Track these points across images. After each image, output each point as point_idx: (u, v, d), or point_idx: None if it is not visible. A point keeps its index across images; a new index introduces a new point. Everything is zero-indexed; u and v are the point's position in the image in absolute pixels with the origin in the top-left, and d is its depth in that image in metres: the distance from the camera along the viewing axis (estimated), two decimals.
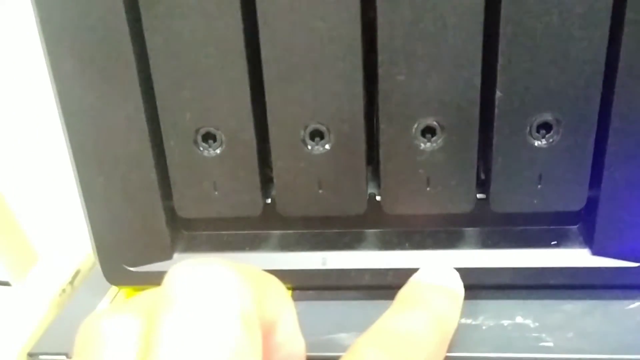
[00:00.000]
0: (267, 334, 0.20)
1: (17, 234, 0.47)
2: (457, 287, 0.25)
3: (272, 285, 0.20)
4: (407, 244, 0.28)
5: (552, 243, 0.27)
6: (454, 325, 0.24)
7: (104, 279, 0.30)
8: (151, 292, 0.19)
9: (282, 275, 0.29)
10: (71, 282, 0.42)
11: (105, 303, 0.31)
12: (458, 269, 0.27)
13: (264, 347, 0.19)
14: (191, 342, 0.15)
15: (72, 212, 0.34)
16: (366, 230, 0.29)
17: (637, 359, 0.24)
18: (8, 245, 0.46)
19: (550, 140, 0.24)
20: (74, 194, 0.28)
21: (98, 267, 0.29)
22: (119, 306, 0.18)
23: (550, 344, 0.25)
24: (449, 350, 0.25)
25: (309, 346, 0.26)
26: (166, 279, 0.18)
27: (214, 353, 0.15)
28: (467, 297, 0.28)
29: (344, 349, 0.26)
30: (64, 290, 0.42)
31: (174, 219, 0.29)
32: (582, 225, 0.28)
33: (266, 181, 0.28)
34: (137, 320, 0.17)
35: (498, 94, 0.24)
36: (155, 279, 0.28)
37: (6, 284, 0.46)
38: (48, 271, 0.43)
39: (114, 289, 0.31)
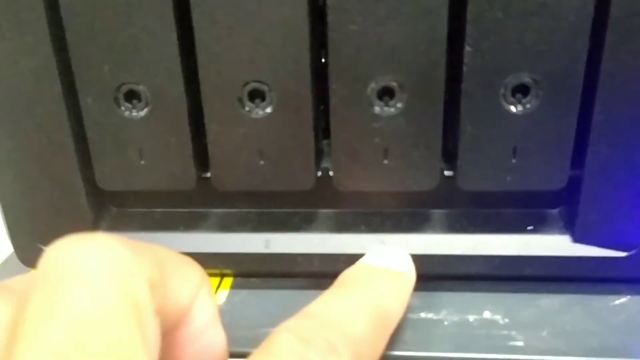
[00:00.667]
0: (178, 323, 0.18)
1: None
2: (408, 270, 0.22)
3: (185, 269, 0.18)
4: (363, 227, 0.25)
5: (528, 228, 0.24)
6: (398, 313, 0.21)
7: (19, 262, 0.26)
8: (28, 274, 0.17)
9: (221, 259, 0.25)
10: None
11: None
12: (420, 256, 0.24)
13: (174, 338, 0.18)
14: (58, 331, 0.14)
15: None
16: (318, 210, 0.26)
17: None
18: None
19: (527, 105, 0.21)
20: None
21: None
22: None
23: (520, 344, 0.22)
24: (398, 347, 0.21)
25: (247, 340, 0.22)
26: (42, 257, 0.15)
27: (86, 344, 0.13)
28: (429, 288, 0.24)
29: None
30: None
31: (97, 192, 0.25)
32: (563, 208, 0.25)
33: (203, 151, 0.24)
34: (4, 307, 0.15)
35: (467, 48, 0.20)
36: None
37: None
38: None
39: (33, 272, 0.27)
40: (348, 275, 0.22)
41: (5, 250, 0.29)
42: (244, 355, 0.22)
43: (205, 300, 0.18)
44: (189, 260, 0.18)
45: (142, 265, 0.15)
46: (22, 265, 0.26)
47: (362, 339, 0.19)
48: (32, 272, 0.17)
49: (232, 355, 0.22)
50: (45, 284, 0.15)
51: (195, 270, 0.18)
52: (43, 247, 0.25)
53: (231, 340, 0.22)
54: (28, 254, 0.25)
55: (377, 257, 0.23)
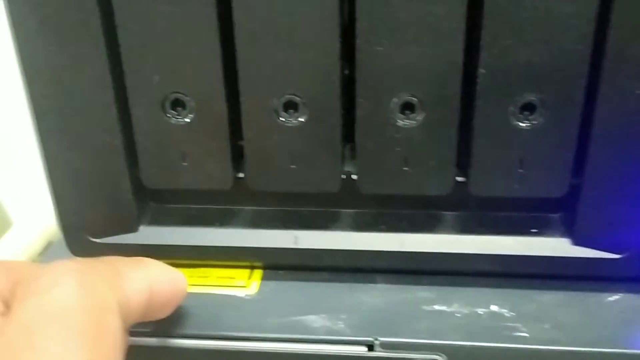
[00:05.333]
0: None
1: None
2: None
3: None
4: (382, 226, 0.27)
5: (532, 231, 0.26)
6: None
7: (68, 251, 0.28)
8: None
9: (253, 252, 0.28)
10: (41, 254, 0.41)
11: None
12: (434, 253, 0.26)
13: None
14: None
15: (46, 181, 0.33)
16: (341, 210, 0.28)
17: (614, 352, 0.23)
18: None
19: (534, 121, 0.23)
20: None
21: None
22: None
23: (526, 335, 0.24)
24: (415, 336, 0.24)
25: (281, 327, 0.25)
26: None
27: None
28: (442, 283, 0.27)
29: (312, 331, 0.25)
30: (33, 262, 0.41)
31: (141, 189, 0.27)
32: (564, 213, 0.27)
33: (239, 154, 0.27)
34: None
35: (481, 70, 0.23)
36: (119, 251, 0.27)
37: None
38: (18, 242, 0.42)
39: None
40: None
41: None
42: (278, 340, 0.25)
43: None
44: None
45: None
46: (68, 254, 0.29)
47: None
48: None
49: (266, 340, 0.25)
50: None
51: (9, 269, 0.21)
52: (90, 238, 0.28)
53: (266, 327, 0.25)
54: (77, 244, 0.28)
55: None
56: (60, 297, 0.18)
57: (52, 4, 0.23)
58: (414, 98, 0.23)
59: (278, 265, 0.28)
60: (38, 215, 0.43)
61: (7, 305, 0.18)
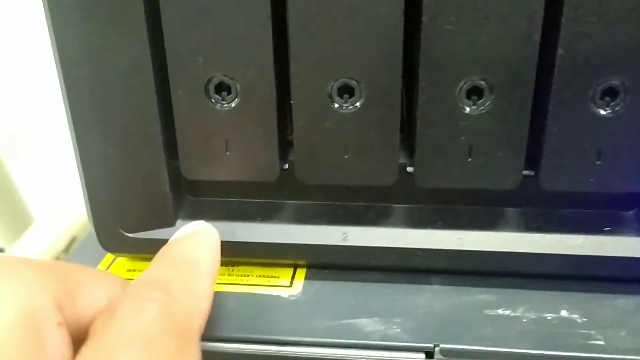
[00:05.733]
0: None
1: (12, 196, 0.44)
2: (203, 228, 0.23)
3: (95, 279, 0.20)
4: (439, 222, 0.25)
5: (605, 229, 0.24)
6: (205, 256, 0.22)
7: (99, 246, 0.27)
8: None
9: (298, 250, 0.26)
10: (66, 250, 0.39)
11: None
12: (496, 253, 0.24)
13: None
14: None
15: (70, 174, 0.31)
16: (394, 205, 0.26)
17: None
18: (2, 209, 0.43)
19: (616, 108, 0.21)
20: (73, 156, 0.25)
21: (94, 232, 0.27)
22: None
23: (602, 343, 0.22)
24: (479, 343, 0.22)
25: (331, 331, 0.23)
26: None
27: None
28: (504, 285, 0.25)
29: (364, 335, 0.23)
30: (57, 258, 0.39)
31: (178, 181, 0.26)
32: (639, 210, 0.25)
33: (284, 144, 0.25)
34: None
35: (560, 51, 0.21)
36: (155, 247, 0.25)
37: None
38: (42, 237, 0.41)
39: (109, 257, 0.28)
40: (159, 252, 0.22)
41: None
42: (330, 345, 0.23)
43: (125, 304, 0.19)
44: (105, 273, 0.21)
45: (44, 282, 0.17)
46: (99, 249, 0.27)
47: (169, 280, 0.20)
48: None
49: (316, 345, 0.23)
50: None
51: (112, 280, 0.20)
52: (124, 233, 0.26)
53: (315, 330, 0.23)
54: (109, 238, 0.26)
55: (177, 233, 0.23)
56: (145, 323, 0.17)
57: None
58: (482, 82, 0.21)
59: (325, 263, 0.26)
60: (61, 211, 0.41)
61: (62, 309, 0.17)
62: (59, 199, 0.42)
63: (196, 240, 0.23)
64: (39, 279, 0.17)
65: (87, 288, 0.19)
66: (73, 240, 0.39)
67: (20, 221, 0.46)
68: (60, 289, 0.17)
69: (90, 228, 0.27)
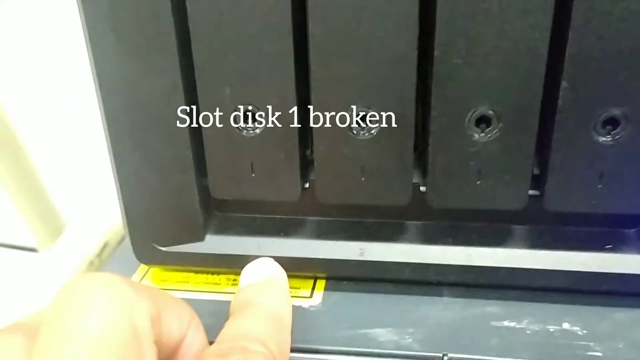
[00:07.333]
0: (172, 354, 0.21)
1: (46, 201, 0.47)
2: (276, 272, 0.25)
3: (176, 307, 0.21)
4: (450, 239, 0.27)
5: (607, 247, 0.26)
6: (286, 308, 0.24)
7: (133, 256, 0.29)
8: (45, 309, 0.19)
9: (318, 263, 0.28)
10: (99, 255, 0.42)
11: (136, 280, 0.30)
12: (504, 269, 0.26)
13: None
14: (72, 353, 0.16)
15: (102, 182, 0.33)
16: (407, 222, 0.28)
17: None
18: (36, 212, 0.45)
19: (617, 137, 0.23)
20: (105, 164, 0.27)
21: (127, 242, 0.29)
22: (8, 325, 0.19)
23: (600, 354, 0.23)
24: (486, 352, 0.24)
25: (349, 340, 0.25)
26: (56, 293, 0.18)
27: None
28: (510, 298, 0.26)
29: (379, 345, 0.25)
30: (91, 262, 0.41)
31: (207, 199, 0.28)
32: None
33: (305, 164, 0.26)
34: (20, 339, 0.18)
35: (564, 84, 0.22)
36: (186, 260, 0.28)
37: (33, 250, 0.46)
38: (76, 241, 0.43)
39: (144, 267, 0.30)
40: (236, 302, 0.24)
41: None
42: (347, 353, 0.24)
43: (195, 333, 0.21)
44: (180, 300, 0.22)
45: (143, 302, 0.18)
46: (134, 259, 0.29)
47: (267, 337, 0.21)
48: (42, 309, 0.19)
49: (334, 353, 0.25)
50: (59, 314, 0.17)
51: (185, 308, 0.22)
52: (158, 247, 0.28)
53: (334, 339, 0.25)
54: (144, 251, 0.28)
55: (250, 275, 0.25)
56: None
57: (129, 19, 0.23)
58: (491, 112, 0.23)
59: (343, 276, 0.28)
60: (93, 217, 0.43)
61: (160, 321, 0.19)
62: (90, 205, 0.45)
63: (279, 292, 0.25)
64: (138, 299, 0.18)
65: (169, 313, 0.20)
66: (105, 246, 0.42)
67: (52, 225, 0.48)
68: (154, 311, 0.19)
69: (122, 235, 0.29)
